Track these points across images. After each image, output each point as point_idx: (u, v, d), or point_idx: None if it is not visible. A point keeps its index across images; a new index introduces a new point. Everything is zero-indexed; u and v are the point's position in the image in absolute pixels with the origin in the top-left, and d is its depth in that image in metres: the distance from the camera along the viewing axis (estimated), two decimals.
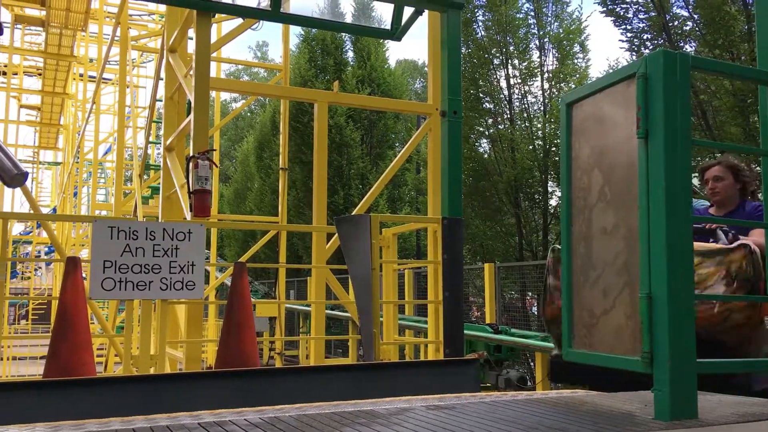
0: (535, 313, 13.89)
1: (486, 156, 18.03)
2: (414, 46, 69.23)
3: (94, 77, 18.22)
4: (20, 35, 20.80)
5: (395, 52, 65.76)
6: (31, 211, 7.38)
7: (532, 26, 17.50)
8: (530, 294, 14.01)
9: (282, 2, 5.92)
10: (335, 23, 11.15)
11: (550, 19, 17.45)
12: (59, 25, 16.04)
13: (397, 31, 6.26)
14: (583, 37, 17.48)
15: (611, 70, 16.93)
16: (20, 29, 20.19)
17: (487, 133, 18.15)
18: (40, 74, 21.78)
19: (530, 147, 16.96)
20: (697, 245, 2.97)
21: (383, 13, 31.86)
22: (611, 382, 2.99)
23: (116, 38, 12.32)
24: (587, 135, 2.68)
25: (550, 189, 17.13)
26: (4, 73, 21.05)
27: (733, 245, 3.10)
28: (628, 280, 2.33)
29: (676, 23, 12.94)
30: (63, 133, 25.13)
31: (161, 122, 8.38)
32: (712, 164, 4.06)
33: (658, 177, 2.11)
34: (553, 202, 17.10)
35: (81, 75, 21.37)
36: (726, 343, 2.94)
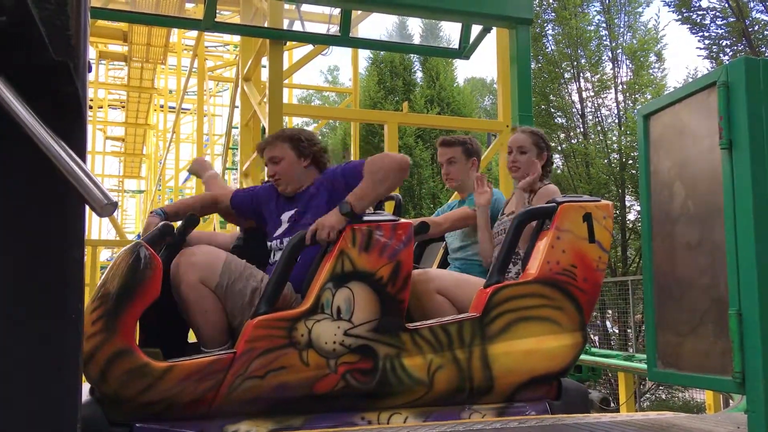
0: (616, 331, 13.45)
1: (559, 171, 17.71)
2: (482, 63, 68.92)
3: (174, 108, 18.98)
4: (104, 70, 21.93)
5: (463, 70, 65.68)
6: (118, 238, 7.71)
7: (604, 38, 17.15)
8: (610, 312, 13.59)
9: (351, 27, 6.02)
10: (404, 45, 11.26)
11: (622, 30, 17.07)
12: (140, 59, 16.81)
13: (465, 50, 6.26)
14: (659, 47, 17.00)
15: (690, 80, 16.41)
16: (104, 65, 21.27)
17: (560, 148, 17.84)
18: (123, 107, 22.86)
19: (605, 161, 16.56)
20: None
21: (451, 33, 31.88)
22: None
23: (194, 70, 12.81)
24: (667, 147, 2.59)
25: (627, 203, 16.64)
26: (91, 107, 22.19)
27: None
28: (716, 297, 2.24)
29: (756, 28, 12.43)
30: (146, 162, 26.21)
31: (237, 149, 8.63)
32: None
33: (744, 189, 2.02)
34: (631, 216, 16.60)
35: (161, 106, 22.29)
36: None
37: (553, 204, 2.94)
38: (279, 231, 2.93)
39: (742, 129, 2.07)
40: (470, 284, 2.97)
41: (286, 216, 2.96)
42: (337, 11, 7.01)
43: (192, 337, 2.98)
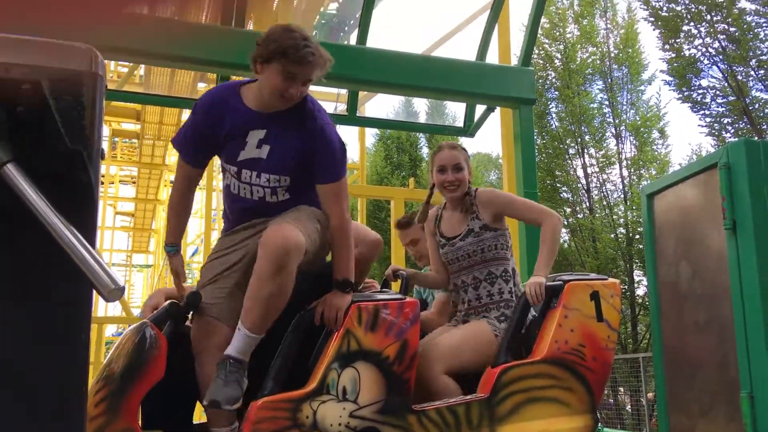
0: (629, 410, 13.12)
1: (566, 246, 17.70)
2: (488, 139, 70.12)
3: None
4: (117, 147, 22.38)
5: (469, 146, 66.77)
6: (124, 314, 7.69)
7: (608, 115, 17.48)
8: (622, 389, 13.30)
9: (357, 106, 6.17)
10: (409, 124, 11.49)
11: (625, 107, 17.40)
12: (153, 137, 17.18)
13: (470, 128, 6.38)
14: (661, 124, 17.28)
15: (694, 156, 16.58)
16: (117, 141, 21.74)
17: (566, 222, 17.90)
18: (134, 182, 23.20)
19: (612, 235, 16.56)
20: None
21: (456, 110, 32.55)
22: None
23: None
24: (671, 226, 2.61)
25: (636, 278, 16.54)
26: (103, 183, 22.55)
27: None
28: (727, 379, 2.20)
29: (756, 106, 12.66)
30: (154, 236, 26.38)
31: None
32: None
33: (750, 270, 2.02)
34: (640, 291, 16.47)
35: (172, 181, 22.59)
36: None
37: (560, 282, 2.93)
38: (244, 154, 2.53)
39: (745, 210, 2.09)
40: (470, 345, 2.92)
41: (254, 136, 2.52)
42: (344, 90, 7.20)
43: (198, 418, 2.92)
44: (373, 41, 5.37)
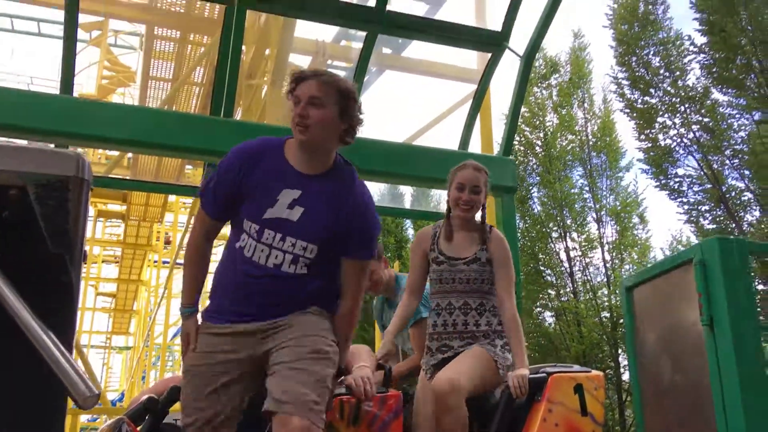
0: None
1: (552, 329, 17.61)
2: None
3: (168, 263, 19.14)
4: (101, 227, 22.32)
5: None
6: (100, 404, 7.49)
7: (588, 200, 17.78)
8: None
9: None
10: (395, 209, 11.59)
11: (605, 192, 17.73)
12: (138, 218, 17.20)
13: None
14: (640, 209, 17.59)
15: (674, 242, 16.75)
16: (102, 222, 21.70)
17: (550, 305, 17.87)
18: (117, 262, 23.02)
19: (596, 319, 16.52)
20: None
21: (441, 195, 32.93)
22: None
23: (190, 226, 13.08)
24: (651, 319, 2.63)
25: (622, 362, 16.40)
26: (86, 263, 22.31)
27: None
28: None
29: (733, 194, 12.96)
30: (135, 317, 25.97)
31: None
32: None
33: (729, 366, 2.04)
34: (625, 377, 16.29)
35: (155, 261, 22.47)
36: None
37: (544, 375, 2.91)
38: (271, 212, 2.25)
39: (721, 306, 2.12)
40: (477, 372, 2.84)
41: (287, 195, 2.27)
42: None
43: None
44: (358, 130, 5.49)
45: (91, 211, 19.99)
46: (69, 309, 1.24)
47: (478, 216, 3.13)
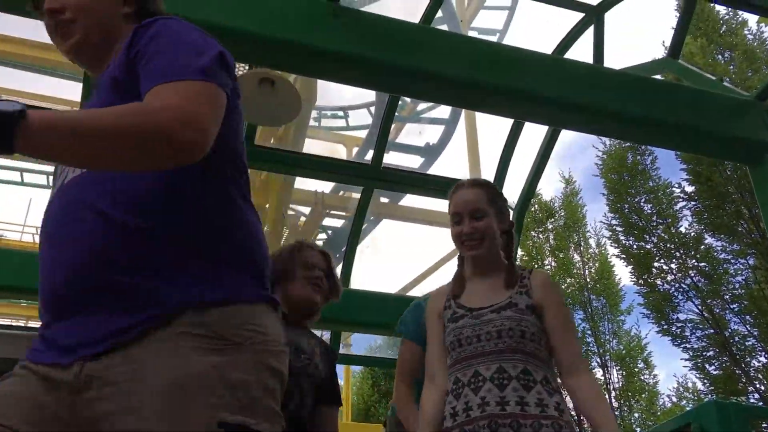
0: None
1: None
2: None
3: None
4: None
5: None
6: None
7: (591, 344, 17.52)
8: None
9: (341, 342, 6.21)
10: (393, 360, 11.46)
11: (608, 336, 17.50)
12: None
13: None
14: (645, 354, 17.28)
15: (681, 390, 16.31)
16: None
17: None
18: None
19: None
20: None
21: None
22: None
23: None
24: None
25: None
26: None
27: None
28: None
29: (736, 339, 12.81)
30: None
31: None
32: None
33: None
34: None
35: None
36: None
37: None
38: None
39: None
40: None
41: None
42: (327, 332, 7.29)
43: None
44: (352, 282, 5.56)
45: None
46: None
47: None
